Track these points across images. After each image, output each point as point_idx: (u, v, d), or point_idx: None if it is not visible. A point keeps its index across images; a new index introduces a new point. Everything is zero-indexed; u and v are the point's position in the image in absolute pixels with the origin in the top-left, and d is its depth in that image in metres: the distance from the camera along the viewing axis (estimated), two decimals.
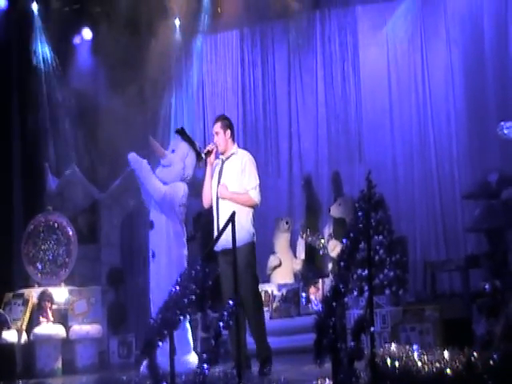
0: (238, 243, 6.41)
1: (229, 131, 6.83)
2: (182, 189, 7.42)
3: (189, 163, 7.52)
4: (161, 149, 7.51)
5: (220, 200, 6.65)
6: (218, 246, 6.26)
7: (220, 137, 6.82)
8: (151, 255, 7.36)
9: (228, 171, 6.73)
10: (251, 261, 6.69)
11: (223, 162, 6.83)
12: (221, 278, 6.39)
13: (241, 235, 6.50)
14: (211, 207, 6.78)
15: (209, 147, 6.89)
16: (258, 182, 6.73)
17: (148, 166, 7.45)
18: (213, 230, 6.74)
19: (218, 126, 6.85)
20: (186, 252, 7.42)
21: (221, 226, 6.36)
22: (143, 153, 7.77)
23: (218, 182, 6.73)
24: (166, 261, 7.23)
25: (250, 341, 6.61)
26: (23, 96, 10.73)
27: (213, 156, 6.86)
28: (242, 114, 11.90)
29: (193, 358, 6.90)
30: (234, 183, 6.67)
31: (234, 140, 6.92)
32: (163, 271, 7.20)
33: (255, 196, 6.68)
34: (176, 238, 7.31)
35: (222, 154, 6.85)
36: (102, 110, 11.20)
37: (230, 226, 6.32)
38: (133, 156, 7.47)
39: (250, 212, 6.68)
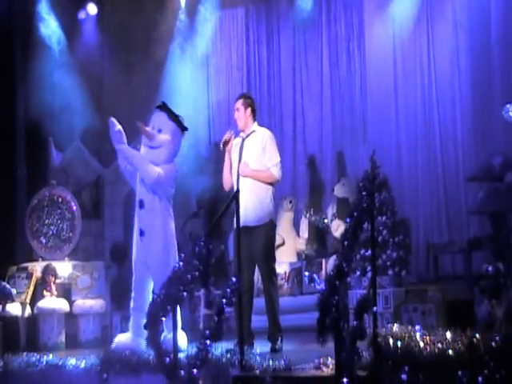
0: (260, 221, 6.61)
1: (249, 109, 6.87)
2: (175, 171, 7.32)
3: (177, 141, 7.33)
4: (150, 132, 7.19)
5: (241, 177, 6.69)
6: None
7: (240, 113, 6.88)
8: (139, 233, 7.16)
9: (249, 149, 6.77)
10: (272, 239, 6.81)
11: (243, 139, 6.85)
12: (235, 255, 6.33)
13: (262, 213, 6.63)
14: (232, 189, 6.78)
15: (226, 137, 6.88)
16: (279, 159, 6.80)
17: (138, 152, 7.23)
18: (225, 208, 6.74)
19: (239, 103, 6.92)
20: (174, 230, 7.34)
21: (241, 204, 6.45)
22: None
23: (239, 160, 6.76)
24: (158, 239, 7.11)
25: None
26: (27, 70, 10.70)
27: (230, 143, 6.87)
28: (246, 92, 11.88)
29: (180, 336, 6.90)
30: (255, 160, 6.72)
31: (254, 118, 6.94)
32: (154, 250, 7.08)
33: (276, 172, 6.75)
34: (167, 217, 7.22)
35: (242, 131, 6.89)
36: (107, 86, 11.20)
37: (255, 202, 6.55)
38: (125, 147, 7.23)
39: (269, 189, 6.75)
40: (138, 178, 7.23)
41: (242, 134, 6.93)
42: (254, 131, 6.87)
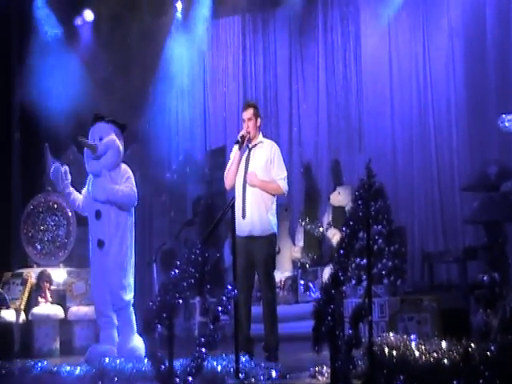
0: (265, 232, 6.62)
1: (259, 119, 6.85)
2: (132, 176, 7.36)
3: (121, 142, 7.42)
4: (93, 143, 7.29)
5: (247, 187, 6.67)
6: (243, 232, 6.41)
7: (252, 123, 6.79)
8: (96, 244, 7.21)
9: (256, 159, 6.75)
10: (274, 249, 6.86)
11: (249, 149, 6.81)
12: (238, 265, 6.29)
13: (266, 224, 6.66)
14: (233, 189, 6.78)
15: (243, 133, 6.79)
16: (286, 172, 6.82)
17: (111, 185, 7.26)
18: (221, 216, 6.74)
19: (250, 113, 6.83)
20: (132, 241, 7.36)
21: (248, 213, 6.53)
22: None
23: (245, 170, 6.73)
24: (117, 251, 7.16)
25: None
26: (24, 73, 10.70)
27: (245, 143, 6.79)
28: (243, 101, 11.88)
29: (137, 341, 6.94)
30: (262, 172, 6.71)
31: (260, 129, 6.92)
32: (112, 261, 7.14)
33: (284, 186, 6.76)
34: (127, 228, 7.27)
35: (250, 141, 6.82)
36: (102, 91, 11.17)
37: (262, 213, 6.57)
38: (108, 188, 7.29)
39: (274, 201, 6.78)
40: (91, 192, 7.28)
41: (248, 144, 6.85)
42: (261, 142, 6.85)
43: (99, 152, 7.25)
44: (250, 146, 6.82)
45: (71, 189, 7.52)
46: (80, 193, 7.53)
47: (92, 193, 7.30)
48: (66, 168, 7.52)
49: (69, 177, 7.48)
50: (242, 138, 6.76)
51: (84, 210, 7.53)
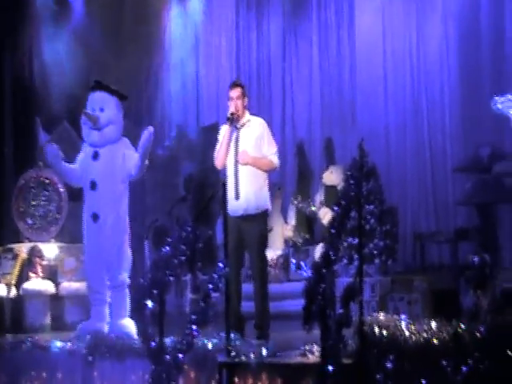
0: (259, 209, 6.63)
1: (246, 99, 6.81)
2: (132, 150, 7.21)
3: (122, 114, 7.31)
4: (93, 115, 7.12)
5: (240, 166, 6.64)
6: (236, 212, 6.38)
7: (240, 102, 6.74)
8: (91, 217, 7.05)
9: (246, 138, 6.70)
10: (266, 227, 6.89)
11: (238, 129, 6.76)
12: (230, 243, 6.20)
13: (261, 201, 6.68)
14: (224, 169, 6.76)
15: (232, 110, 6.73)
16: (276, 147, 6.82)
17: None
18: (213, 194, 6.72)
19: (239, 91, 6.77)
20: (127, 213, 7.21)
21: (242, 193, 6.52)
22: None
23: (236, 149, 6.69)
24: (114, 224, 7.01)
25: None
26: (15, 50, 10.63)
27: (236, 120, 6.71)
28: (235, 78, 11.84)
29: (128, 322, 6.82)
30: (253, 149, 6.67)
31: (246, 108, 6.86)
32: (108, 236, 7.00)
33: (276, 160, 6.78)
34: (124, 200, 7.15)
35: (238, 121, 6.76)
36: (95, 69, 11.12)
37: (256, 191, 6.57)
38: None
39: (266, 178, 6.77)
40: (87, 158, 7.16)
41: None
42: (248, 120, 6.81)
43: (100, 124, 7.12)
44: (239, 125, 6.78)
45: (64, 164, 7.44)
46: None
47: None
48: (56, 147, 7.43)
49: (61, 154, 7.39)
50: (232, 114, 6.73)
51: (79, 182, 7.44)
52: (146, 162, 7.08)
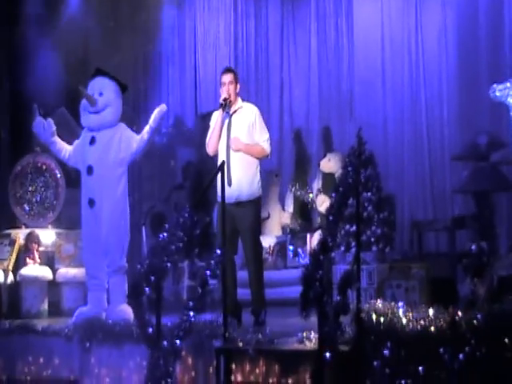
0: (251, 196, 6.64)
1: (238, 85, 6.79)
2: (131, 132, 7.31)
3: (120, 100, 7.40)
4: (92, 97, 7.22)
5: (232, 152, 6.63)
6: (229, 198, 6.32)
7: (232, 87, 6.73)
8: (87, 203, 7.11)
9: (238, 125, 6.70)
10: (260, 213, 6.93)
11: (230, 115, 6.76)
12: (220, 227, 6.28)
13: (253, 188, 6.68)
14: (216, 155, 6.75)
15: (225, 95, 6.71)
16: (268, 134, 6.80)
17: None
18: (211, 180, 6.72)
19: (230, 77, 6.77)
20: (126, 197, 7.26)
21: (234, 179, 6.51)
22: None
23: (228, 135, 6.68)
24: (111, 210, 7.05)
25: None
26: (11, 36, 10.57)
27: (228, 105, 6.70)
28: (234, 66, 11.78)
29: (126, 308, 6.83)
30: (245, 136, 6.67)
31: (238, 94, 6.85)
32: (106, 221, 7.04)
33: (268, 147, 6.76)
34: (121, 185, 7.19)
35: (230, 107, 6.75)
36: (92, 56, 11.07)
37: (249, 177, 6.57)
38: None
39: (258, 165, 6.76)
40: (84, 144, 7.23)
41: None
42: (240, 107, 6.79)
43: (98, 107, 7.19)
44: (231, 112, 6.76)
45: (56, 138, 7.46)
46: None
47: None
48: (50, 120, 7.45)
49: (53, 127, 7.41)
50: (225, 100, 6.70)
51: (76, 164, 7.44)
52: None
